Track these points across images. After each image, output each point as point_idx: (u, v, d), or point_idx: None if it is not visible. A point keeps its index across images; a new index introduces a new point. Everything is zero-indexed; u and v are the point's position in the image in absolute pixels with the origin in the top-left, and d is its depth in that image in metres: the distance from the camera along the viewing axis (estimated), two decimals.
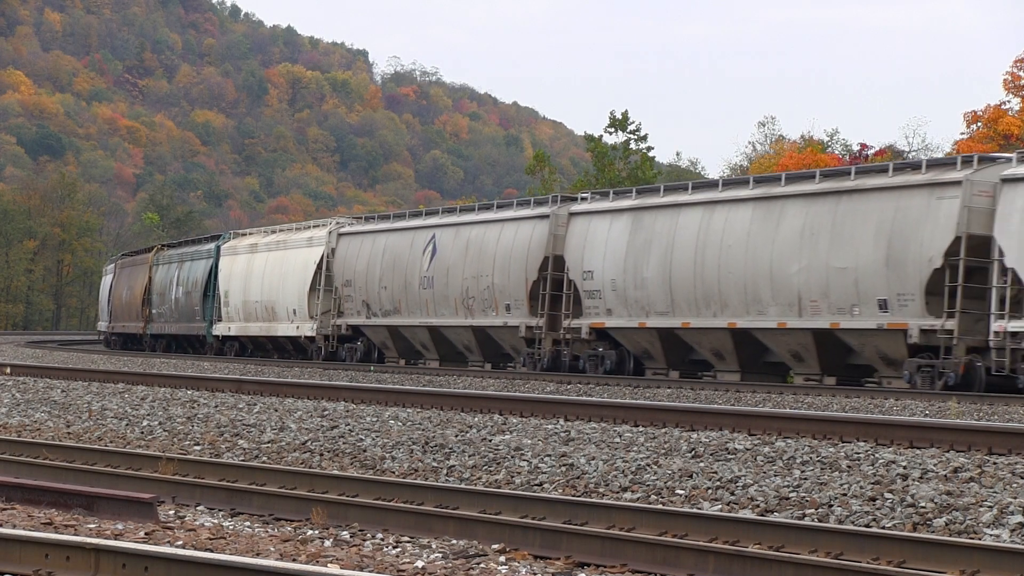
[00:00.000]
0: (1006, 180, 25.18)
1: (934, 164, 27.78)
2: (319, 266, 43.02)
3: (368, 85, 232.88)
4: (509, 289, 35.42)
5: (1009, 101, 58.54)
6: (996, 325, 24.62)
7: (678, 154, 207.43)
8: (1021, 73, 57.54)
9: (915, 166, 28.20)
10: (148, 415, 17.57)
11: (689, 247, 30.84)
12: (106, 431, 16.03)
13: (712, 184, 32.93)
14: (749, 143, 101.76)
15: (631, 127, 71.71)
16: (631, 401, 18.78)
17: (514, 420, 16.53)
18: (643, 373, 32.18)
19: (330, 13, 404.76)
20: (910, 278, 26.37)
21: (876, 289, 26.93)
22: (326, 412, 17.49)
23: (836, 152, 72.88)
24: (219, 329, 49.14)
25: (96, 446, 14.31)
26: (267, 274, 46.08)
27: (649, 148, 71.87)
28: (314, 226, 46.63)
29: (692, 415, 16.00)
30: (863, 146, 68.40)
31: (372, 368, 35.90)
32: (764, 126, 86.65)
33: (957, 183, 25.89)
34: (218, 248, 50.61)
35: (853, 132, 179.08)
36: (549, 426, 15.63)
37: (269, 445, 14.35)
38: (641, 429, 15.42)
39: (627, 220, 32.61)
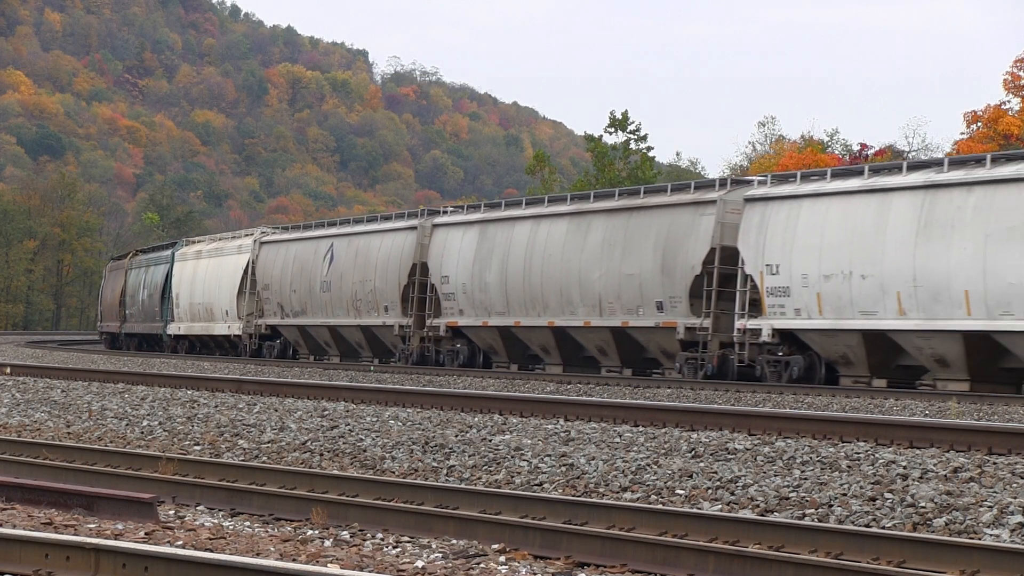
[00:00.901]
0: (748, 200, 29.75)
1: (700, 185, 32.54)
2: (245, 271, 47.80)
3: (368, 85, 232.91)
4: (387, 292, 40.02)
5: (1009, 101, 58.58)
6: (739, 323, 29.32)
7: (678, 154, 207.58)
8: (1021, 73, 57.58)
9: (686, 187, 32.92)
10: (148, 415, 17.57)
11: (520, 256, 35.27)
12: (106, 431, 16.03)
13: (540, 200, 37.50)
14: (749, 143, 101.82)
15: (631, 127, 71.76)
16: (631, 401, 18.78)
17: (514, 420, 16.53)
18: (491, 366, 36.80)
19: (330, 13, 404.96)
20: (679, 283, 30.91)
21: (655, 292, 31.40)
22: (326, 412, 17.49)
23: (836, 152, 72.91)
24: (171, 328, 53.76)
25: (96, 446, 14.31)
26: (207, 279, 50.84)
27: (649, 148, 71.97)
28: (244, 235, 51.40)
29: (692, 415, 16.00)
30: (863, 146, 68.45)
31: (372, 368, 36.11)
32: (764, 126, 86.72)
33: (713, 202, 30.51)
34: (173, 254, 55.31)
35: (853, 132, 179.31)
36: (549, 426, 15.63)
37: (269, 445, 14.35)
38: (641, 429, 15.42)
39: (475, 231, 37.16)
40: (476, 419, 16.56)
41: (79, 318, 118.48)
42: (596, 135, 72.70)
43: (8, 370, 28.18)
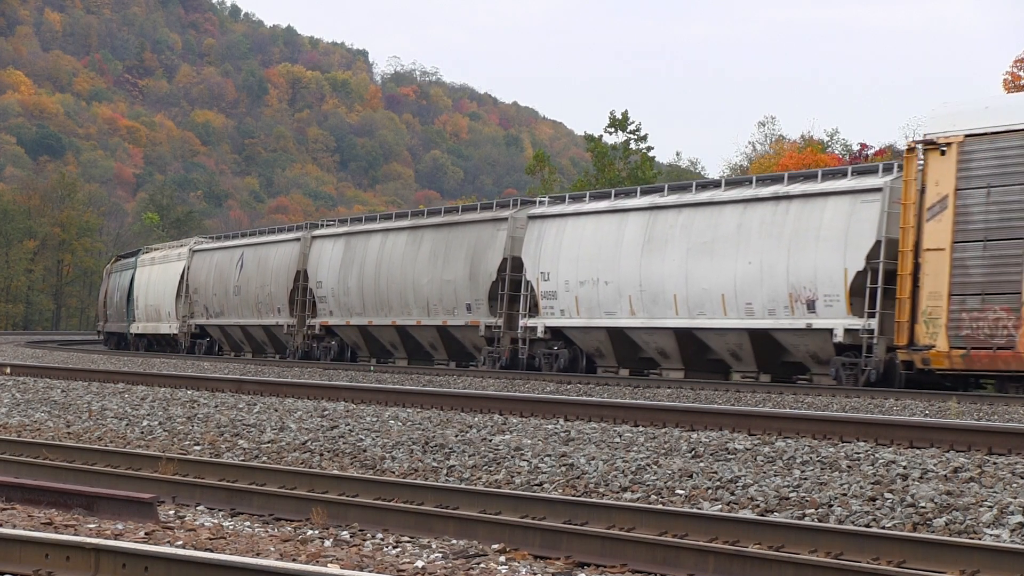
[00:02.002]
0: (530, 217, 35.33)
1: (501, 204, 38.12)
2: (182, 277, 53.13)
3: (368, 85, 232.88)
4: (279, 295, 45.39)
5: None
6: (522, 322, 34.83)
7: (678, 154, 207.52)
8: (1021, 73, 57.53)
9: (489, 206, 38.24)
10: (148, 415, 17.57)
11: (373, 264, 40.60)
12: (106, 431, 16.03)
13: (389, 215, 43.53)
14: (749, 143, 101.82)
15: (631, 127, 71.72)
16: (631, 401, 18.78)
17: (514, 420, 16.53)
18: (356, 360, 41.85)
19: (330, 13, 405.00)
20: (481, 288, 36.10)
21: (465, 296, 36.71)
22: (326, 412, 17.49)
23: (836, 152, 72.86)
24: (133, 328, 59.22)
25: (96, 446, 14.31)
26: (157, 283, 56.44)
27: (649, 148, 71.90)
28: (182, 244, 56.90)
29: (692, 415, 16.00)
30: (863, 146, 68.37)
31: (372, 368, 36.25)
32: (764, 126, 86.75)
33: (505, 219, 36.06)
34: (136, 260, 61.02)
35: (853, 132, 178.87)
36: (549, 426, 15.63)
37: (269, 445, 14.35)
38: (641, 429, 15.42)
39: (342, 243, 42.59)
40: (476, 419, 16.56)
41: (79, 318, 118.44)
42: (596, 135, 72.68)
43: (8, 370, 28.18)
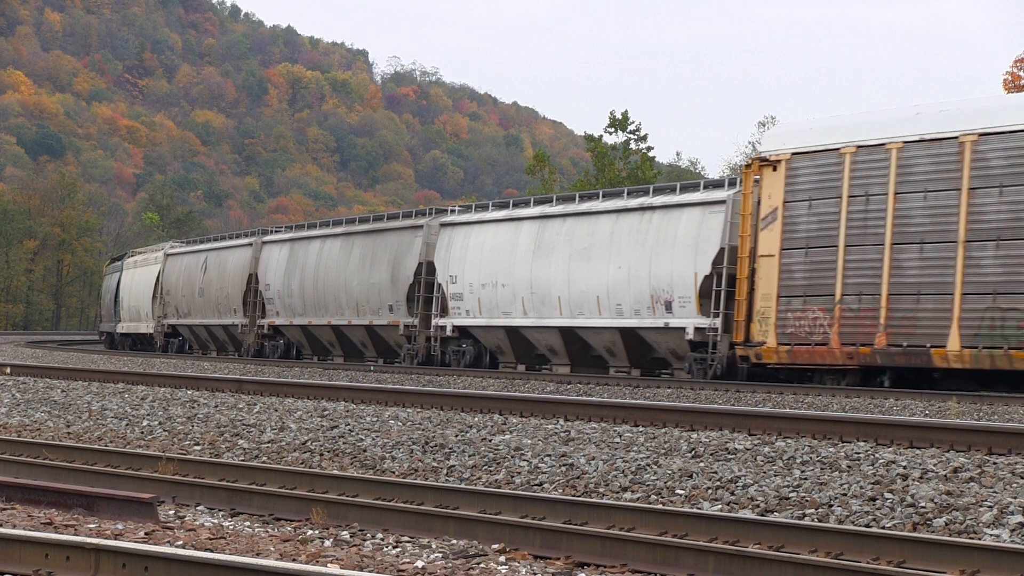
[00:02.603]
0: (442, 225, 38.23)
1: (419, 213, 41.44)
2: (157, 279, 56.36)
3: (368, 85, 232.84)
4: (234, 297, 48.59)
5: None
6: (434, 322, 37.79)
7: (678, 154, 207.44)
8: (1021, 73, 57.52)
9: (409, 215, 42.07)
10: (148, 415, 17.57)
11: (312, 268, 43.68)
12: (106, 431, 16.03)
13: (327, 223, 46.63)
14: (749, 143, 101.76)
15: (631, 127, 71.72)
16: (631, 401, 18.78)
17: (514, 420, 16.53)
18: (301, 357, 45.00)
19: (330, 13, 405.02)
20: (401, 290, 39.24)
21: (388, 298, 39.67)
22: (326, 412, 17.49)
23: None
24: (119, 328, 62.50)
25: (96, 446, 14.30)
26: (137, 284, 59.79)
27: (649, 148, 71.91)
28: (158, 249, 60.44)
29: (692, 415, 16.00)
30: None
31: (372, 368, 36.31)
32: (764, 126, 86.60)
33: (421, 227, 39.02)
34: (123, 263, 64.47)
35: None
36: (549, 426, 15.63)
37: (269, 445, 14.34)
38: (641, 429, 15.41)
39: (288, 248, 45.82)
40: (476, 419, 16.56)
41: (79, 318, 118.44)
42: (596, 135, 72.68)
43: (8, 370, 28.18)
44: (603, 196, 34.74)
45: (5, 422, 17.03)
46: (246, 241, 49.32)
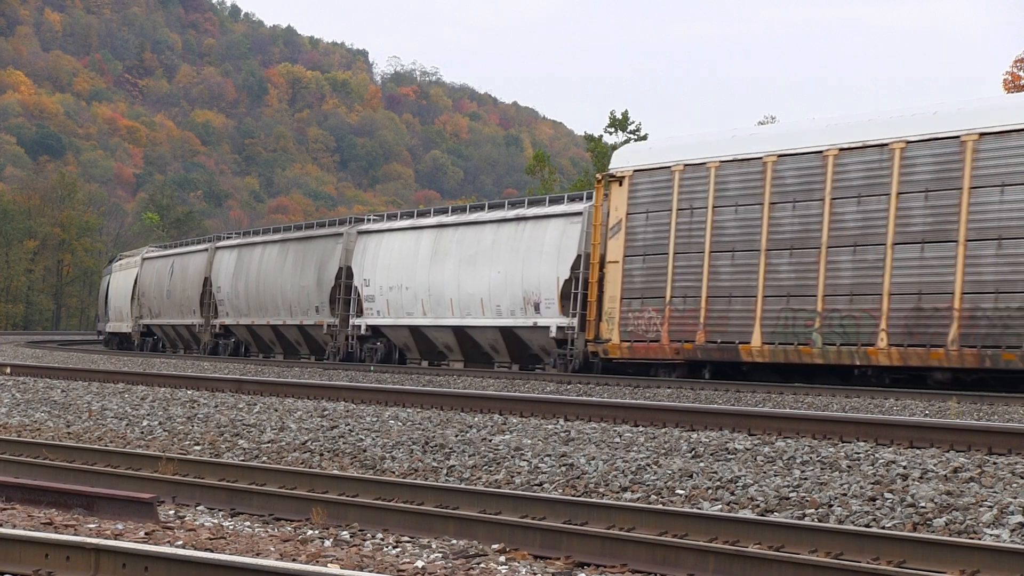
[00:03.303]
0: (359, 232, 41.87)
1: (341, 222, 44.73)
2: (135, 282, 60.22)
3: (368, 85, 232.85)
4: (193, 299, 52.33)
5: None
6: (352, 321, 41.28)
7: None
8: (1021, 73, 57.51)
9: (333, 223, 45.47)
10: (148, 415, 17.56)
11: (255, 272, 47.35)
12: (106, 431, 16.03)
13: (268, 230, 50.46)
14: None
15: (631, 127, 71.68)
16: (631, 401, 18.78)
17: (514, 420, 16.52)
18: (248, 354, 48.60)
19: (330, 13, 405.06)
20: (324, 292, 42.74)
21: (314, 300, 43.36)
22: (326, 412, 17.48)
23: None
24: (108, 327, 66.53)
25: (96, 446, 14.30)
26: (120, 287, 63.75)
27: None
28: (135, 253, 64.42)
29: (692, 415, 15.99)
30: None
31: (372, 368, 36.43)
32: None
33: (341, 234, 42.73)
34: (112, 266, 68.94)
35: None
36: (549, 426, 15.62)
37: (269, 445, 14.34)
38: (641, 429, 15.41)
39: (236, 253, 49.33)
40: (476, 419, 16.56)
41: (79, 318, 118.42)
42: (596, 135, 72.67)
43: (8, 370, 28.18)
44: (488, 207, 38.37)
45: (5, 422, 17.03)
46: (203, 247, 53.27)
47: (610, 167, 32.10)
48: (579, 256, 32.94)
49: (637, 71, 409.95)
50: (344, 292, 41.67)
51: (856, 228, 26.74)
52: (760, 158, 28.61)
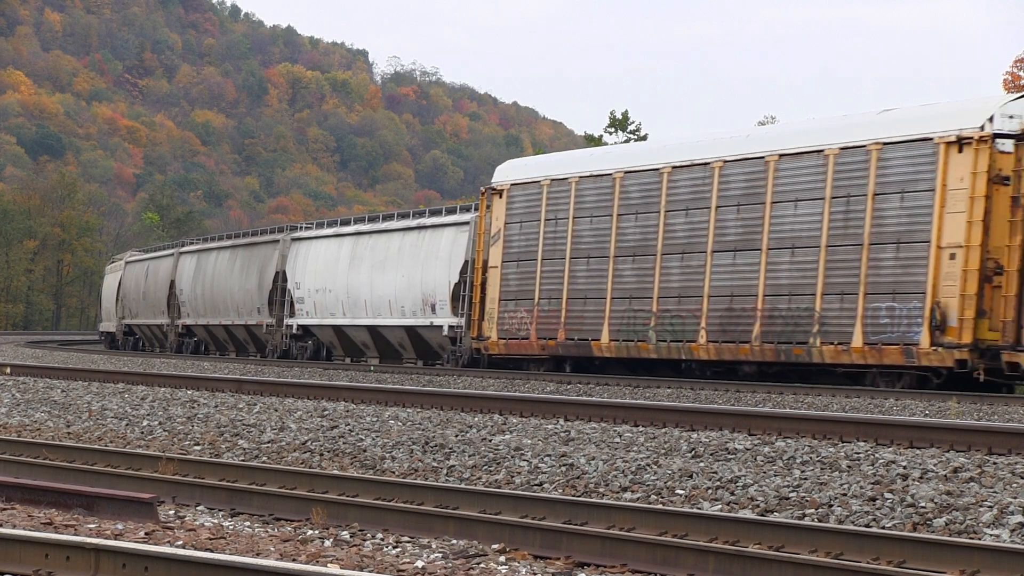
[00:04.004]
0: (293, 239, 45.80)
1: (280, 230, 49.27)
2: (119, 284, 64.36)
3: (368, 85, 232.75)
4: (162, 300, 56.44)
5: None
6: (286, 320, 44.77)
7: None
8: (1021, 73, 57.48)
9: (272, 231, 50.02)
10: (148, 415, 17.56)
11: (210, 276, 51.21)
12: (106, 431, 16.03)
13: (222, 237, 55.11)
14: None
15: (631, 127, 71.70)
16: (631, 401, 18.78)
17: (514, 420, 16.52)
18: (208, 352, 52.37)
19: (330, 13, 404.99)
20: (264, 295, 46.30)
21: (255, 301, 47.09)
22: (326, 412, 17.48)
23: None
24: (101, 326, 71.28)
25: (96, 446, 14.30)
26: (109, 288, 67.88)
27: None
28: (119, 258, 68.83)
29: (692, 415, 15.99)
30: None
31: (372, 368, 36.55)
32: (764, 126, 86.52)
33: (278, 241, 46.59)
34: (107, 268, 73.06)
35: None
36: (549, 426, 15.62)
37: (269, 445, 14.34)
38: (641, 429, 15.41)
39: (196, 258, 53.32)
40: (476, 419, 16.56)
41: (79, 318, 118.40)
42: (596, 135, 72.68)
43: (8, 370, 28.18)
44: (397, 217, 42.72)
45: (5, 422, 17.03)
46: (170, 252, 57.66)
47: (492, 181, 35.35)
48: (467, 261, 36.22)
49: (637, 71, 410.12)
50: (280, 294, 45.15)
51: (684, 237, 29.92)
52: (611, 174, 31.68)
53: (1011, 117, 24.80)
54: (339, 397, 20.47)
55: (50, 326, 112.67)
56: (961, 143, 24.89)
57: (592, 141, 72.45)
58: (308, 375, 31.50)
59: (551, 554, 8.68)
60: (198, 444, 14.70)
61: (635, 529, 9.29)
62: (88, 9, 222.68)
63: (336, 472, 12.18)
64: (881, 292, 25.97)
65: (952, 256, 24.87)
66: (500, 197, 34.49)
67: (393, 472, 12.56)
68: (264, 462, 13.31)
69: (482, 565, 8.14)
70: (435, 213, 40.44)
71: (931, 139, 25.42)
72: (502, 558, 8.56)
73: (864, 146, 26.48)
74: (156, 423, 16.57)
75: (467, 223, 36.99)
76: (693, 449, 13.35)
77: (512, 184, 34.35)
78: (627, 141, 71.59)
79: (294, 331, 44.16)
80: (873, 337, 25.99)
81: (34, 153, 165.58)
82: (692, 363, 29.89)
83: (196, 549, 7.90)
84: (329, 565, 7.64)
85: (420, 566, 7.76)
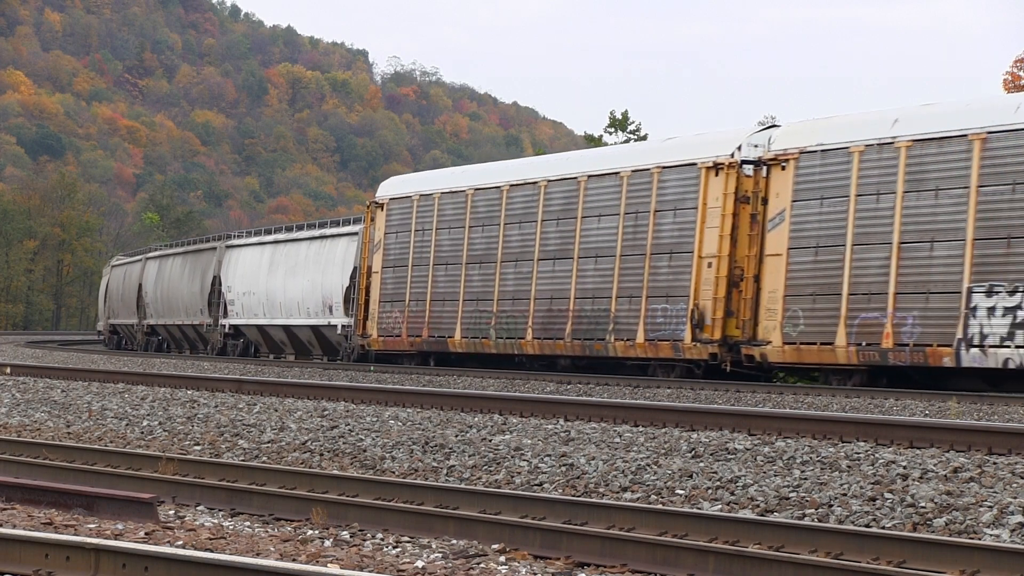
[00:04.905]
0: (227, 247, 49.62)
1: (218, 238, 53.29)
2: (106, 286, 69.00)
3: (368, 85, 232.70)
4: (132, 301, 61.08)
5: None
6: (221, 321, 48.78)
7: None
8: (1021, 73, 57.49)
9: (212, 239, 54.34)
10: (148, 415, 17.56)
11: (166, 280, 55.98)
12: (106, 431, 16.03)
13: (178, 244, 59.25)
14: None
15: (631, 127, 71.71)
16: (631, 401, 18.78)
17: (514, 420, 16.52)
18: (169, 350, 56.69)
19: (330, 13, 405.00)
20: (203, 297, 50.49)
21: (198, 303, 51.44)
22: (326, 412, 17.48)
23: None
24: (98, 326, 74.76)
25: (96, 446, 14.30)
26: (101, 290, 71.49)
27: None
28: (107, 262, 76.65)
29: (692, 415, 15.99)
30: None
31: (372, 368, 36.59)
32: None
33: (215, 248, 50.75)
34: (103, 270, 78.01)
35: None
36: (549, 426, 15.62)
37: (269, 445, 14.34)
38: (641, 429, 15.41)
39: (158, 264, 57.98)
40: (476, 419, 16.55)
41: (79, 318, 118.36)
42: (596, 135, 72.67)
43: (8, 370, 28.18)
44: (307, 227, 47.14)
45: (5, 422, 17.03)
46: (139, 258, 62.67)
47: (376, 196, 39.42)
48: (355, 268, 40.54)
49: (637, 71, 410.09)
50: (216, 297, 49.51)
51: (518, 247, 33.99)
52: (464, 191, 35.77)
53: (755, 146, 28.81)
54: (339, 397, 20.47)
55: (50, 326, 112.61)
56: (717, 168, 28.97)
57: (592, 141, 72.45)
58: (308, 375, 31.49)
59: (551, 554, 8.68)
60: (198, 444, 14.70)
61: (635, 529, 9.29)
62: (88, 9, 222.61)
63: (336, 472, 12.18)
64: (658, 296, 30.17)
65: (709, 264, 28.97)
66: (382, 210, 38.39)
67: (393, 472, 12.56)
68: (264, 462, 13.31)
69: (482, 565, 8.14)
70: (335, 224, 44.87)
71: (695, 164, 29.53)
72: (502, 558, 8.56)
73: (649, 169, 30.62)
74: (156, 423, 16.57)
75: (356, 233, 41.22)
76: (693, 449, 13.35)
77: (391, 199, 38.34)
78: (626, 141, 71.62)
79: (227, 330, 48.50)
80: (652, 334, 30.08)
81: (34, 153, 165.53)
82: (523, 357, 33.74)
83: (196, 549, 7.90)
84: (329, 565, 7.64)
85: (420, 566, 7.76)
